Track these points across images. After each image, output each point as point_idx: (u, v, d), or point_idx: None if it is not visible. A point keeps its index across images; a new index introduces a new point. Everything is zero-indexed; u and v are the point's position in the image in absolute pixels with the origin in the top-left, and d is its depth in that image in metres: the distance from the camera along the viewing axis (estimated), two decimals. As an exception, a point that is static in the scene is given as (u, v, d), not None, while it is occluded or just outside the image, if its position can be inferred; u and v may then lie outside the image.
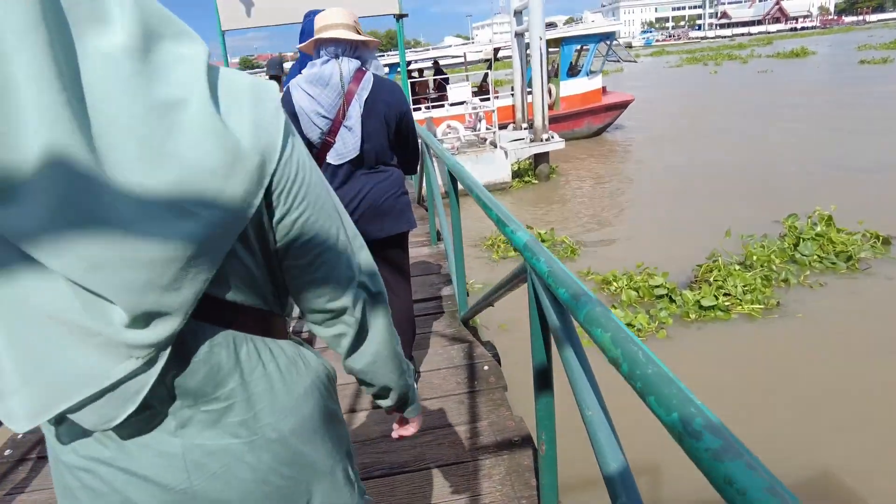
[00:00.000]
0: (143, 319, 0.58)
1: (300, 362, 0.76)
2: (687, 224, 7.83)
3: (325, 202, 0.73)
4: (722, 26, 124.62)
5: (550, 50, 16.58)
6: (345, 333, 0.79)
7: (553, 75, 16.37)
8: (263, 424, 0.71)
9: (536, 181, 10.98)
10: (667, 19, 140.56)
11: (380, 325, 0.82)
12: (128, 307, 0.56)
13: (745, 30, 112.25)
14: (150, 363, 0.60)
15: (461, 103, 12.52)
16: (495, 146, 10.37)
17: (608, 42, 16.57)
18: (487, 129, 11.21)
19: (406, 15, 6.09)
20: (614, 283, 5.94)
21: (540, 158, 10.97)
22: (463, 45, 20.17)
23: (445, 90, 13.30)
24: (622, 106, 16.58)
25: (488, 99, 12.45)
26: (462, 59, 18.84)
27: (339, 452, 0.82)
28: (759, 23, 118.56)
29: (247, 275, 0.68)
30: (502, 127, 11.91)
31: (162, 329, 0.59)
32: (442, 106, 12.81)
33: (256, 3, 5.56)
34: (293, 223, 0.69)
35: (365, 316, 0.79)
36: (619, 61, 18.36)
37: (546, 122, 10.74)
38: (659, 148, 13.27)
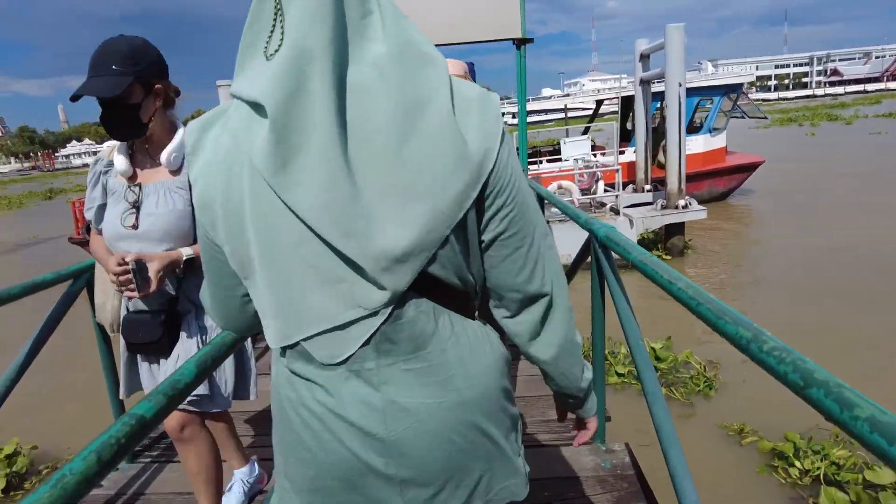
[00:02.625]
0: (377, 280, 0.73)
1: (487, 340, 0.85)
2: (879, 345, 5.27)
3: (529, 204, 0.82)
4: (832, 84, 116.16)
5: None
6: (531, 320, 0.86)
7: (670, 130, 14.47)
8: (452, 389, 0.79)
9: (669, 257, 8.92)
10: (769, 77, 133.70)
11: (562, 318, 0.88)
12: (369, 269, 0.72)
13: (859, 87, 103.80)
14: (372, 314, 0.75)
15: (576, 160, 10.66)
16: (617, 212, 8.51)
17: (734, 95, 14.54)
18: (606, 190, 9.42)
19: (531, 40, 4.55)
20: (797, 463, 3.48)
21: (673, 230, 8.94)
22: (564, 95, 18.67)
23: None
24: (750, 168, 14.32)
25: (605, 154, 10.70)
26: (563, 112, 17.37)
27: (513, 430, 0.89)
28: (877, 80, 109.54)
29: (453, 257, 0.77)
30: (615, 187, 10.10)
31: (388, 290, 0.73)
32: (539, 162, 11.18)
33: None
34: (501, 219, 0.79)
35: (551, 306, 0.87)
36: (744, 117, 16.17)
37: (683, 186, 8.77)
38: (796, 222, 10.79)
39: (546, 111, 16.52)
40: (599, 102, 17.41)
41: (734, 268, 8.55)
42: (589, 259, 2.20)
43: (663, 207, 8.85)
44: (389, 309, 0.74)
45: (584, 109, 18.61)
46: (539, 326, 0.86)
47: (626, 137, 17.46)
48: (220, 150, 0.74)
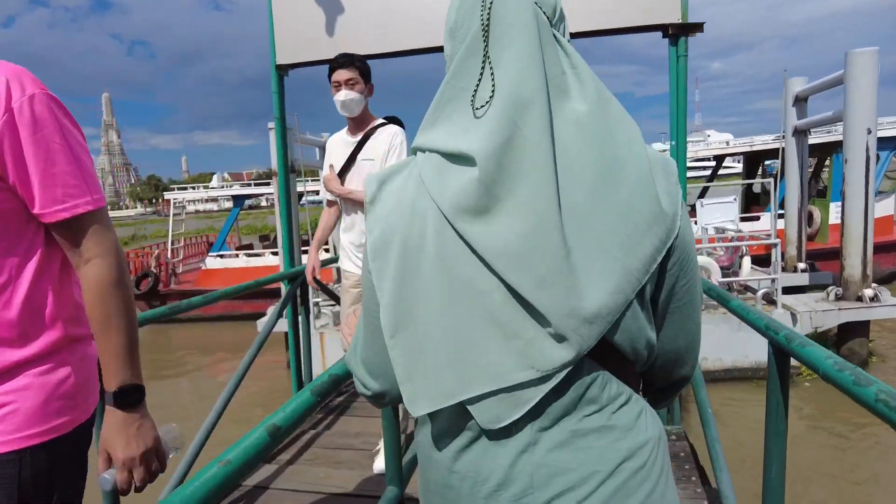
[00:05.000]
0: (558, 338, 0.68)
1: (646, 415, 0.78)
2: None
3: (698, 273, 0.80)
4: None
5: (809, 160, 12.27)
6: (675, 378, 0.87)
7: (815, 195, 11.88)
8: (609, 458, 0.73)
9: (847, 369, 6.41)
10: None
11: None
12: (555, 325, 0.67)
13: None
14: (545, 378, 0.69)
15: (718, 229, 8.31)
16: (773, 302, 6.25)
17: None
18: (753, 267, 7.16)
19: (698, 27, 2.76)
20: None
21: (851, 330, 6.48)
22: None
23: None
24: (927, 242, 11.34)
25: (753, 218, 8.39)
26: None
27: None
28: None
29: (631, 322, 0.72)
30: (756, 261, 7.75)
31: (567, 353, 0.68)
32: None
33: (338, 29, 3.39)
34: (680, 285, 0.77)
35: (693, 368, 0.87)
36: (910, 179, 13.21)
37: (869, 270, 6.37)
38: None
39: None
40: (720, 159, 15.07)
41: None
42: None
43: (838, 298, 6.46)
44: (563, 374, 0.69)
45: (697, 168, 16.23)
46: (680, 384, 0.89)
47: (754, 202, 14.87)
48: (405, 198, 0.76)
